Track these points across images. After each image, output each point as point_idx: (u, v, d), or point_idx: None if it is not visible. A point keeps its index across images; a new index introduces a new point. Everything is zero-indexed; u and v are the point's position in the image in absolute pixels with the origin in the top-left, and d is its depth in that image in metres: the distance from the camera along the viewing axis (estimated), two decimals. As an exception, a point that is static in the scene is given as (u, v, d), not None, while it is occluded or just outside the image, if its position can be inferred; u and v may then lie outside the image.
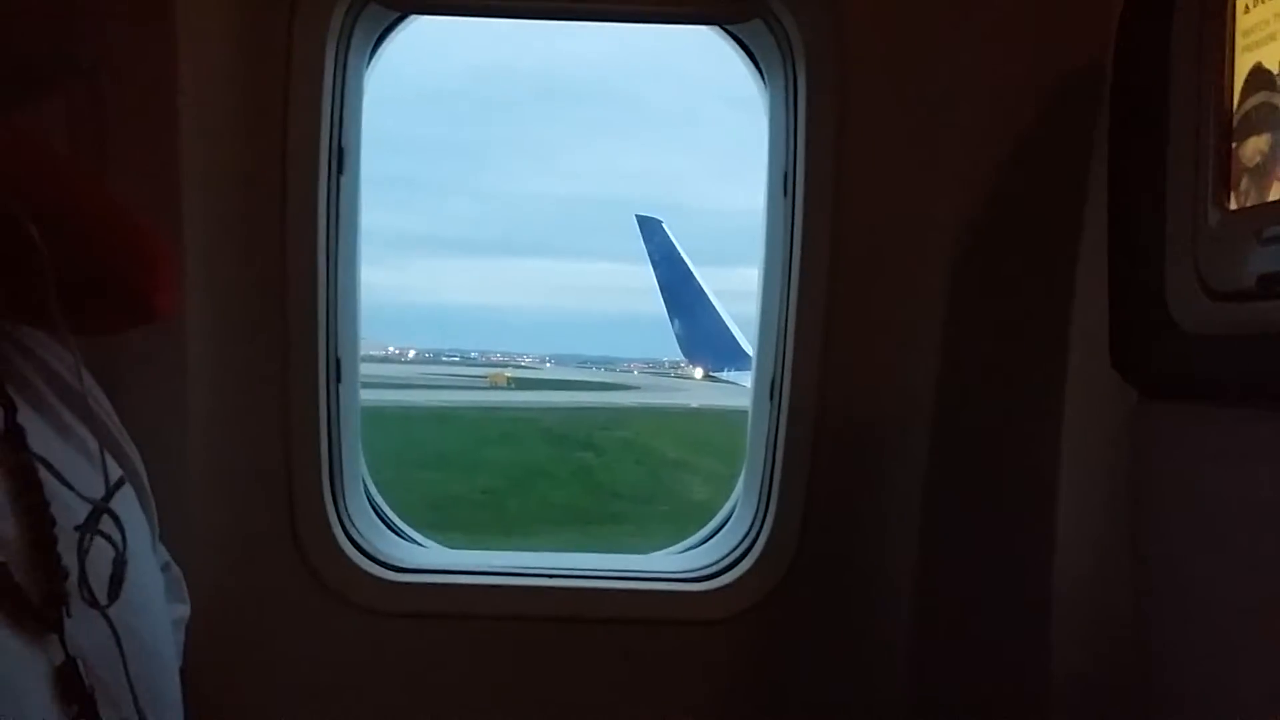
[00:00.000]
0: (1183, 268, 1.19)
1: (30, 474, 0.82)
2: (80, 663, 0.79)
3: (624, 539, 12.59)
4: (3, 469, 0.81)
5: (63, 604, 0.80)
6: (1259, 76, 1.07)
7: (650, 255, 17.65)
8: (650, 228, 17.82)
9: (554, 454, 18.77)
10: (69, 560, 0.81)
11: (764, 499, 1.86)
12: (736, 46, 1.86)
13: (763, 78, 1.85)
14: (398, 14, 1.81)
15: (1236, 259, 1.09)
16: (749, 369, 1.98)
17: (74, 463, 0.88)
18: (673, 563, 1.95)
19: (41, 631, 0.78)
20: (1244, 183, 1.09)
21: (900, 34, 1.69)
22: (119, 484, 0.90)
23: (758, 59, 1.85)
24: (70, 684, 0.78)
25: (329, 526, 1.80)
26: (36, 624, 0.77)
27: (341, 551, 1.82)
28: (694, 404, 22.41)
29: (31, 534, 0.80)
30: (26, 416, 0.86)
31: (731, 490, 2.02)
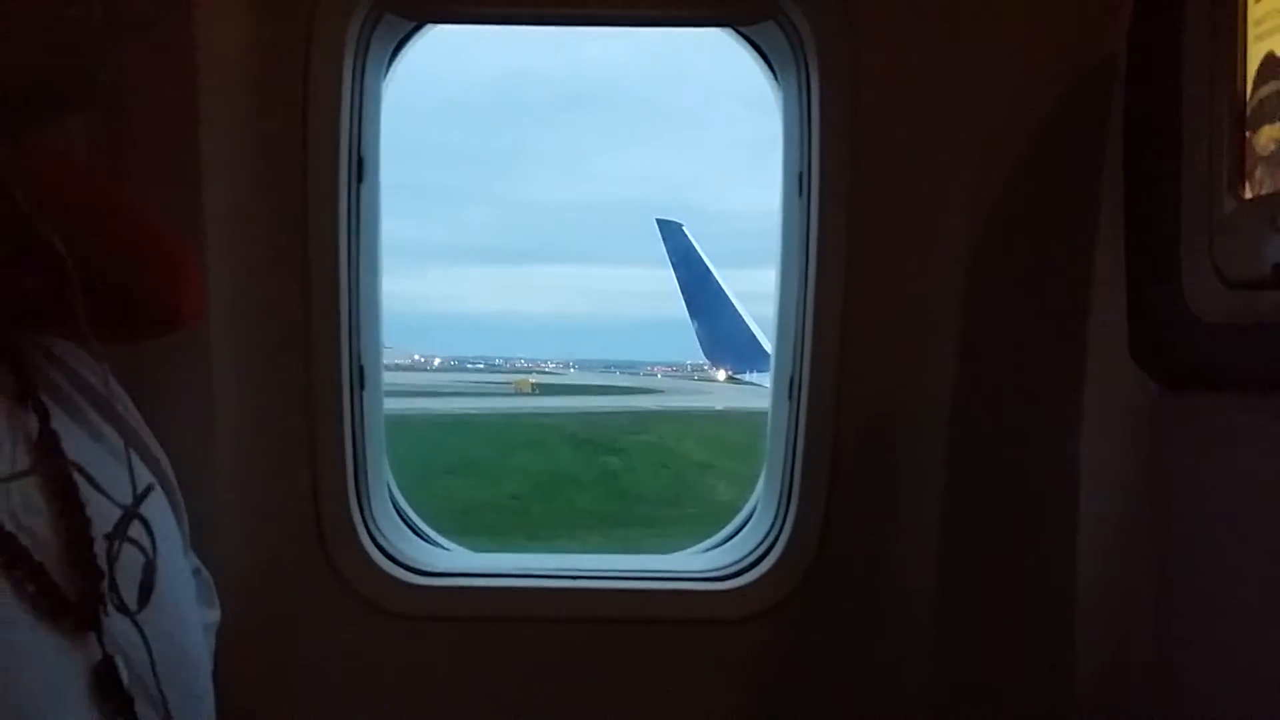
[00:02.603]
0: (1199, 257, 1.18)
1: (65, 478, 0.84)
2: (118, 660, 0.81)
3: (650, 542, 12.60)
4: (39, 473, 0.83)
5: (100, 604, 0.81)
6: (1271, 66, 1.07)
7: (671, 258, 17.68)
8: (670, 231, 17.85)
9: (579, 458, 18.82)
10: (101, 565, 0.83)
11: (785, 498, 1.87)
12: (750, 48, 1.86)
13: (776, 78, 1.86)
14: (415, 24, 1.83)
15: (1252, 247, 1.08)
16: (771, 370, 1.99)
17: (106, 468, 0.90)
18: (695, 563, 1.96)
19: (79, 630, 0.79)
20: (1258, 171, 1.09)
21: (912, 31, 1.69)
22: (148, 490, 0.91)
23: (771, 60, 1.85)
24: (108, 682, 0.80)
25: (355, 532, 1.82)
26: (74, 623, 0.79)
27: (367, 556, 1.83)
28: (717, 406, 22.40)
29: (68, 536, 0.82)
30: (60, 423, 0.88)
31: (756, 490, 2.02)
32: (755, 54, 1.87)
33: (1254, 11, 1.08)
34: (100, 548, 0.83)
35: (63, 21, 0.77)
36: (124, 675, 0.81)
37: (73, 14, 0.77)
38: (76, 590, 0.80)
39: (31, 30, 0.76)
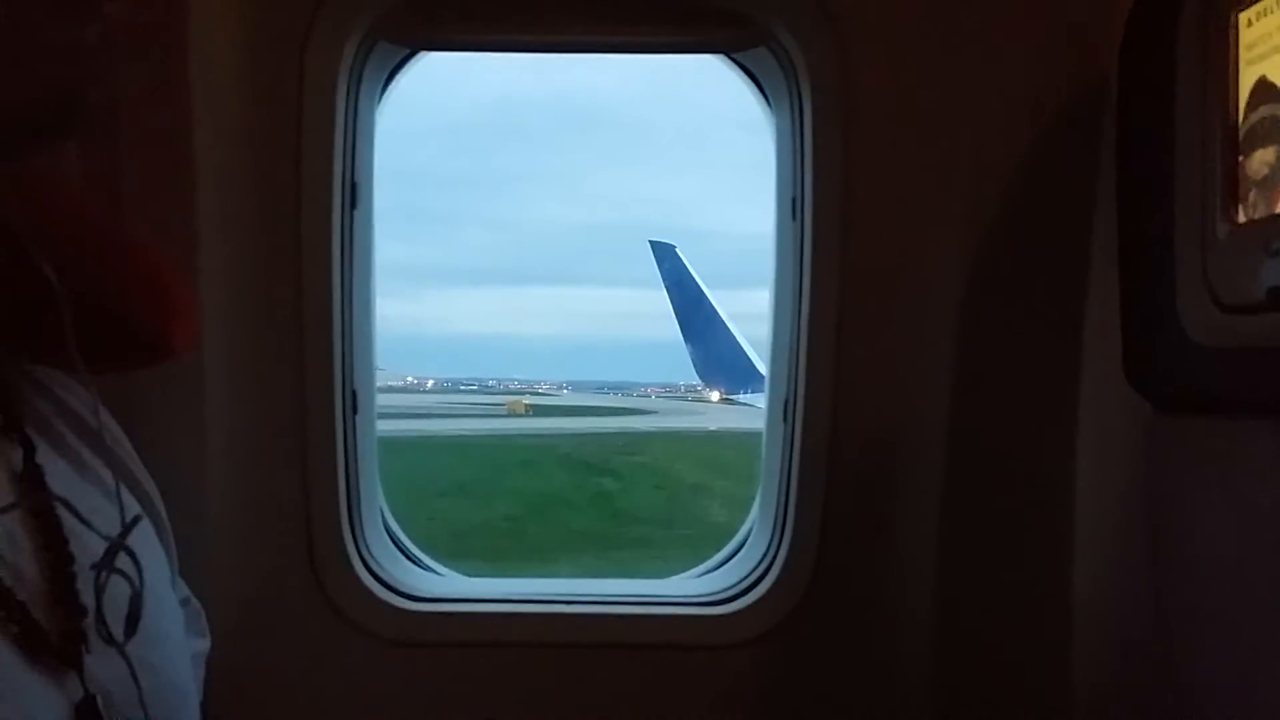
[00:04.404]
0: (1193, 281, 1.19)
1: (49, 513, 0.83)
2: (99, 699, 0.80)
3: (646, 563, 12.57)
4: (22, 508, 0.82)
5: (81, 641, 0.80)
6: (1263, 90, 1.08)
7: (664, 280, 17.74)
8: (664, 253, 17.91)
9: (573, 480, 18.79)
10: (87, 598, 0.82)
11: (780, 520, 1.86)
12: (742, 74, 1.87)
13: (769, 103, 1.87)
14: (408, 51, 1.83)
15: (1246, 271, 1.09)
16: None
17: (92, 500, 0.89)
18: (690, 587, 1.95)
19: (60, 669, 0.78)
20: (1251, 195, 1.09)
21: (903, 56, 1.70)
22: (135, 521, 0.90)
23: (763, 85, 1.86)
24: None
25: (347, 558, 1.81)
26: (55, 662, 0.78)
27: (360, 582, 1.82)
28: (711, 427, 22.40)
29: (50, 572, 0.81)
30: (45, 455, 0.87)
31: (751, 512, 2.02)
32: (748, 79, 1.88)
33: (1246, 35, 1.09)
34: (86, 579, 0.82)
35: (56, 46, 0.76)
36: (105, 714, 0.80)
37: (66, 38, 0.76)
38: (59, 628, 0.79)
39: (24, 55, 0.75)
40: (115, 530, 0.87)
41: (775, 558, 1.85)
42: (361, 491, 1.85)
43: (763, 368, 2.00)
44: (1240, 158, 1.10)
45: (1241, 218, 1.10)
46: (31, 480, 0.84)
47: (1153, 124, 1.27)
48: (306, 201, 1.72)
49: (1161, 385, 1.32)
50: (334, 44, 1.69)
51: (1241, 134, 1.10)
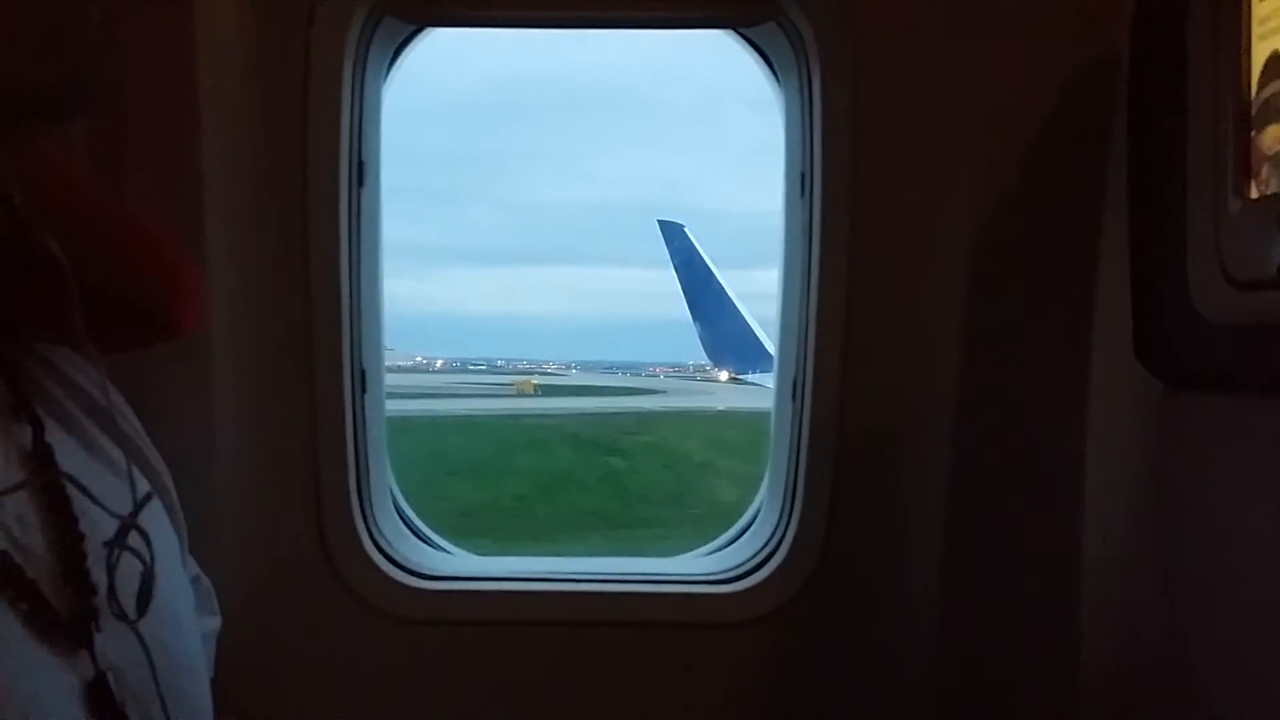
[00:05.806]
0: (1204, 257, 1.18)
1: (59, 491, 0.83)
2: (111, 678, 0.80)
3: (654, 543, 12.61)
4: (32, 487, 0.82)
5: (92, 620, 0.80)
6: (1276, 65, 1.06)
7: (673, 259, 17.71)
8: (672, 232, 17.87)
9: (582, 459, 18.83)
10: (98, 576, 0.82)
11: (788, 499, 1.86)
12: (751, 49, 1.86)
13: (777, 79, 1.86)
14: (415, 27, 1.82)
15: (1258, 247, 1.08)
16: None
17: (102, 479, 0.89)
18: (699, 565, 1.95)
19: (72, 648, 0.78)
20: (1264, 171, 1.08)
21: (913, 31, 1.68)
22: (146, 499, 0.90)
23: (772, 61, 1.85)
24: (101, 699, 0.79)
25: (357, 536, 1.82)
26: (67, 640, 0.78)
27: (370, 560, 1.83)
28: (720, 406, 22.41)
29: (60, 550, 0.81)
30: (54, 434, 0.87)
31: (759, 491, 2.02)
32: (756, 55, 1.87)
33: (1259, 10, 1.08)
34: (98, 558, 0.82)
35: (58, 26, 0.76)
36: (117, 692, 0.80)
37: (68, 18, 0.76)
38: (69, 606, 0.79)
39: (25, 35, 0.75)
40: (126, 508, 0.87)
41: (784, 536, 1.86)
42: (371, 471, 1.86)
43: (771, 347, 1.99)
44: (1253, 133, 1.09)
45: (1254, 193, 1.09)
46: (41, 459, 0.84)
47: (1164, 99, 1.26)
48: (313, 180, 1.71)
49: (1172, 363, 1.32)
50: (340, 20, 1.68)
51: (1254, 109, 1.09)
